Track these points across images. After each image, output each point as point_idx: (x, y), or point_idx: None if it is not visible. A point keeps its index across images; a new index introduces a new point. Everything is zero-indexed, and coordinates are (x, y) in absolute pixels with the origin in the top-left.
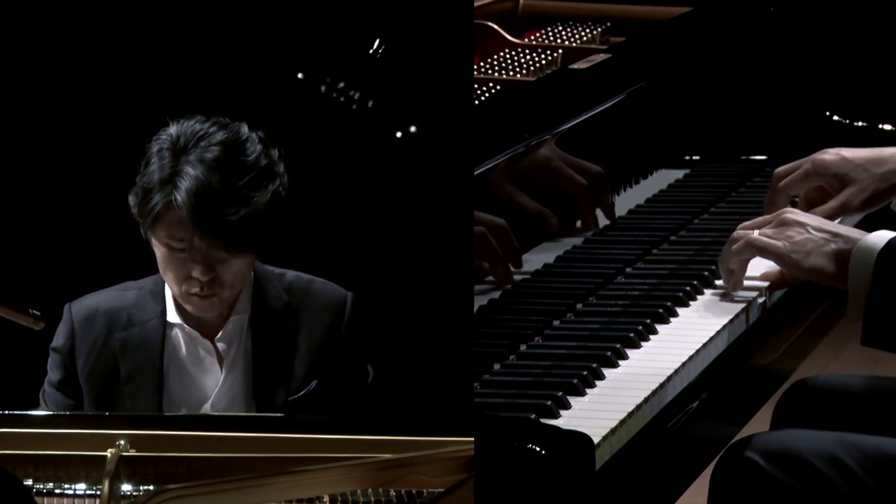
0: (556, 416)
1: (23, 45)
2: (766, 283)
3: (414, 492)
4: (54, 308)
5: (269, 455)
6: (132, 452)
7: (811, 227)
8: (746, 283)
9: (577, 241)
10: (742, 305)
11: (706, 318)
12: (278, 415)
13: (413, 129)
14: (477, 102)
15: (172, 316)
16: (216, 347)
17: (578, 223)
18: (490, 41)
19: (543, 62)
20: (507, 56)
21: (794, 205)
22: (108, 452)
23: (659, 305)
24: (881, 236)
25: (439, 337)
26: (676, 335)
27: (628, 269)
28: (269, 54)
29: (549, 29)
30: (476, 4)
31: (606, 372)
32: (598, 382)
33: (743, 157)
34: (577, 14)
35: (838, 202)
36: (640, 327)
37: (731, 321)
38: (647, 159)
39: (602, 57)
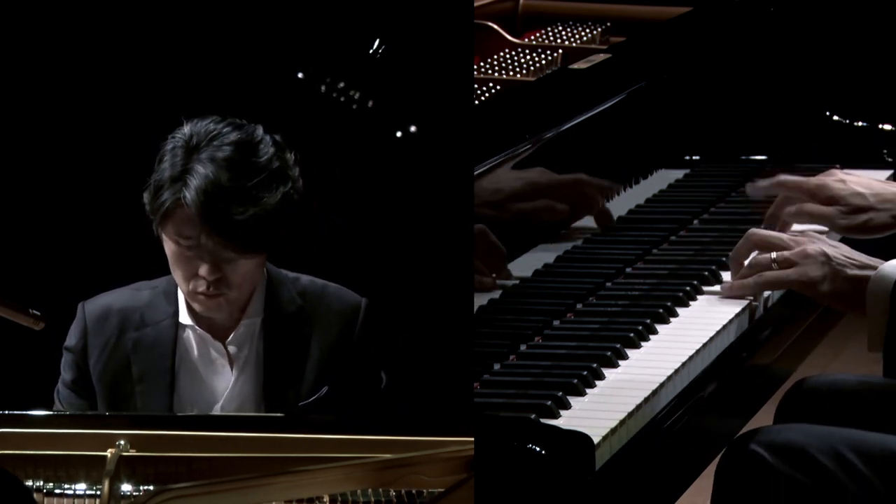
0: (556, 416)
1: (37, 46)
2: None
3: (414, 492)
4: (66, 307)
5: (269, 455)
6: (132, 452)
7: (831, 252)
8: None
9: (577, 241)
10: (742, 305)
11: (706, 317)
12: (278, 415)
13: (413, 129)
14: (477, 102)
15: (184, 317)
16: (227, 350)
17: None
18: (490, 41)
19: (543, 62)
20: (507, 56)
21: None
22: (108, 452)
23: (659, 305)
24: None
25: (439, 337)
26: (676, 335)
27: (628, 269)
28: (270, 54)
29: (549, 29)
30: (476, 4)
31: (606, 372)
32: (598, 382)
33: (743, 157)
34: (577, 14)
35: (823, 211)
36: (640, 327)
37: (731, 321)
38: (647, 159)
39: (602, 57)
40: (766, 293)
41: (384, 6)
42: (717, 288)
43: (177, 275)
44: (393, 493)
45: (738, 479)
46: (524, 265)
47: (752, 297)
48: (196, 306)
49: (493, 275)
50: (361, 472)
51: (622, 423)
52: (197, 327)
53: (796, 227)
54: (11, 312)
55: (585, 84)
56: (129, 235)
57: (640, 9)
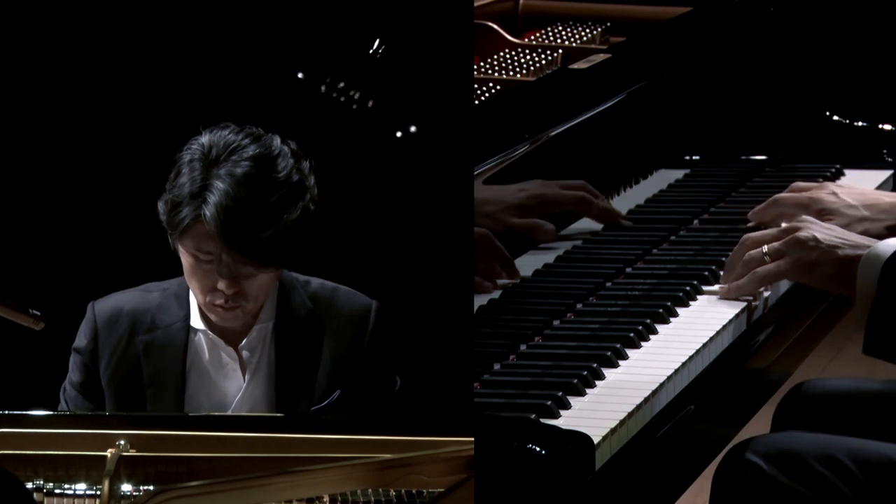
0: (556, 416)
1: (45, 47)
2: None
3: (414, 492)
4: (68, 306)
5: (269, 455)
6: (132, 452)
7: (821, 235)
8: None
9: (577, 241)
10: (742, 305)
11: (706, 318)
12: (278, 415)
13: (413, 129)
14: (477, 102)
15: (196, 321)
16: (239, 354)
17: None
18: (490, 41)
19: (543, 62)
20: (507, 56)
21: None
22: (108, 452)
23: (659, 305)
24: (888, 246)
25: (439, 337)
26: (676, 335)
27: (628, 269)
28: (269, 54)
29: (549, 29)
30: (476, 4)
31: (606, 372)
32: (598, 382)
33: (743, 157)
34: (577, 14)
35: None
36: (640, 327)
37: (731, 321)
38: (647, 159)
39: (602, 57)
40: (766, 293)
41: (384, 6)
42: (716, 288)
43: (193, 286)
44: (393, 493)
45: (735, 488)
46: (524, 265)
47: (751, 298)
48: (213, 317)
49: (496, 279)
50: (361, 472)
51: (622, 423)
52: (209, 332)
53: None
54: (11, 312)
55: (585, 84)
56: (134, 234)
57: (640, 9)
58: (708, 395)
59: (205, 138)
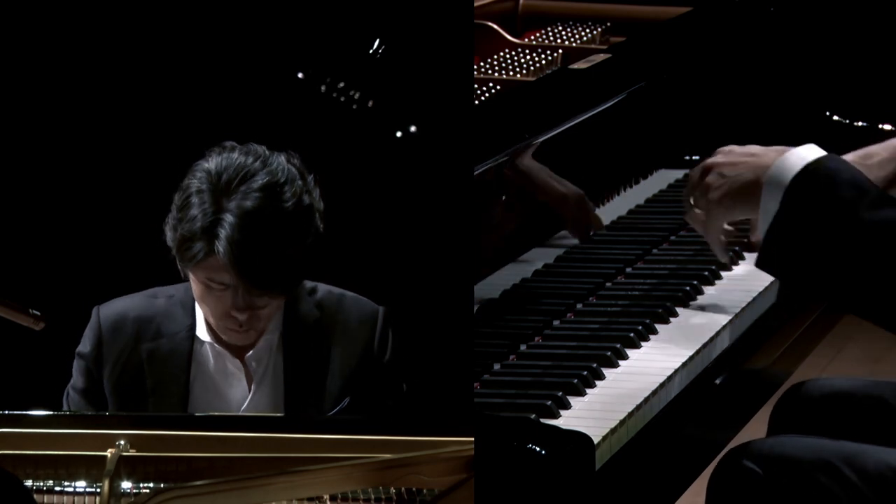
0: (556, 416)
1: (46, 49)
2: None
3: (414, 491)
4: (69, 306)
5: (269, 455)
6: (132, 452)
7: (727, 171)
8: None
9: (577, 241)
10: (742, 305)
11: (706, 318)
12: (278, 415)
13: (413, 129)
14: (477, 102)
15: (202, 332)
16: (245, 364)
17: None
18: (490, 41)
19: (543, 62)
20: (507, 56)
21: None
22: (108, 452)
23: (659, 305)
24: (799, 157)
25: (439, 337)
26: (676, 335)
27: (628, 269)
28: (269, 54)
29: (549, 29)
30: (476, 4)
31: (606, 372)
32: (598, 382)
33: None
34: (577, 14)
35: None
36: (640, 327)
37: (731, 321)
38: (647, 159)
39: (602, 57)
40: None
41: (384, 6)
42: (716, 288)
43: (205, 309)
44: (393, 492)
45: (730, 494)
46: (524, 265)
47: (752, 297)
48: (225, 338)
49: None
50: (361, 472)
51: (622, 423)
52: (215, 343)
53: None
54: (11, 312)
55: (585, 84)
56: (137, 235)
57: (640, 9)
58: (708, 395)
59: (211, 163)
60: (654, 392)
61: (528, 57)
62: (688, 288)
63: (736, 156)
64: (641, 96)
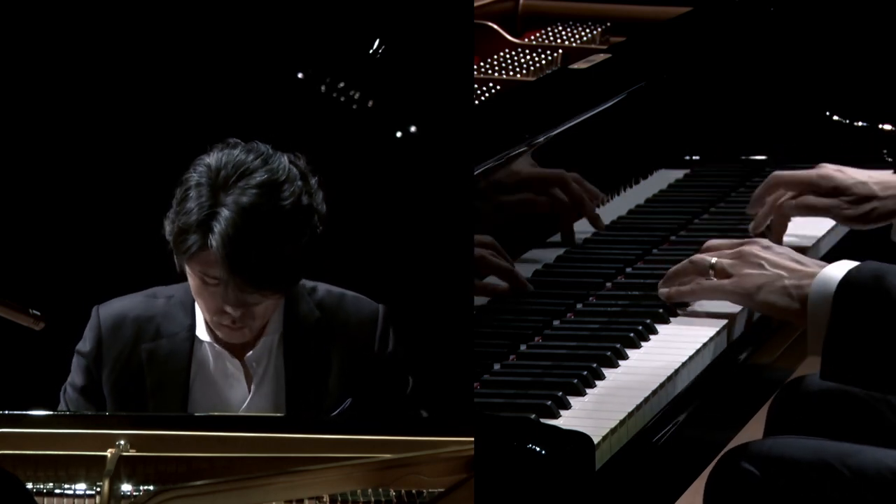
0: (556, 416)
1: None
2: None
3: (414, 492)
4: (69, 306)
5: (269, 455)
6: (132, 452)
7: (768, 261)
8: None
9: (577, 241)
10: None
11: (706, 317)
12: (278, 415)
13: (413, 129)
14: (477, 102)
15: (202, 332)
16: (245, 365)
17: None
18: (490, 41)
19: (543, 62)
20: (507, 56)
21: (763, 236)
22: (108, 452)
23: (659, 305)
24: (839, 269)
25: (439, 337)
26: (676, 335)
27: (628, 269)
28: (269, 54)
29: (549, 29)
30: (476, 4)
31: (606, 372)
32: (598, 382)
33: (743, 157)
34: (577, 14)
35: (827, 202)
36: (640, 327)
37: (731, 321)
38: (647, 159)
39: (602, 57)
40: None
41: (384, 6)
42: None
43: (200, 304)
44: (393, 493)
45: (728, 495)
46: (524, 265)
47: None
48: (219, 333)
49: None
50: (361, 472)
51: (622, 423)
52: (214, 344)
53: (796, 221)
54: (11, 312)
55: (585, 84)
56: (137, 235)
57: (640, 9)
58: (708, 395)
59: (212, 158)
60: (654, 392)
61: (528, 57)
62: None
63: (779, 256)
64: (641, 96)
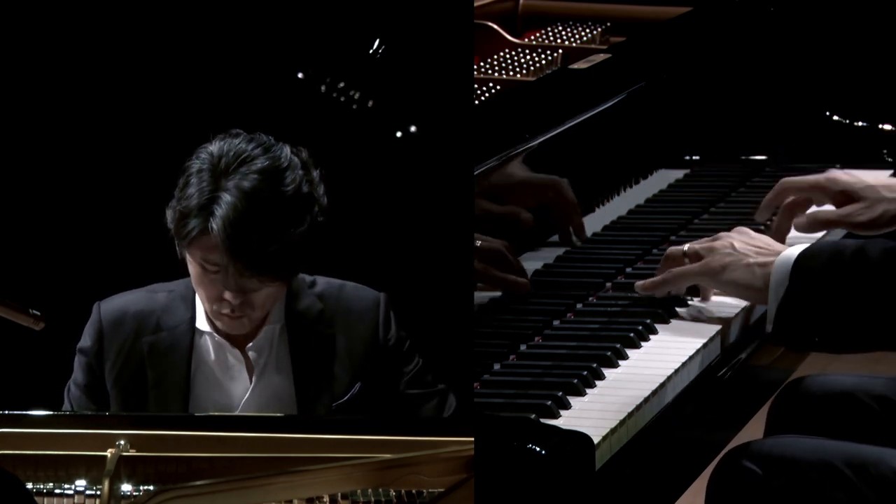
0: (556, 416)
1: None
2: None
3: (414, 492)
4: (69, 306)
5: (269, 455)
6: (132, 452)
7: (738, 243)
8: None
9: (577, 241)
10: (742, 305)
11: (706, 318)
12: (278, 415)
13: (413, 129)
14: (477, 102)
15: (202, 323)
16: (246, 356)
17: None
18: (490, 41)
19: (543, 62)
20: (507, 56)
21: (762, 231)
22: (108, 452)
23: (659, 305)
24: (800, 246)
25: (439, 337)
26: (676, 335)
27: (628, 269)
28: (269, 54)
29: (549, 29)
30: (476, 4)
31: (606, 372)
32: (598, 382)
33: (743, 157)
34: (577, 14)
35: (839, 212)
36: (640, 327)
37: (730, 321)
38: (647, 159)
39: (602, 57)
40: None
41: (384, 6)
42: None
43: (200, 293)
44: (393, 493)
45: (730, 495)
46: (524, 265)
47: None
48: (219, 324)
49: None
50: (361, 472)
51: (622, 423)
52: (215, 334)
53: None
54: (11, 312)
55: (585, 84)
56: (138, 234)
57: (640, 9)
58: (708, 395)
59: (214, 147)
60: (655, 392)
61: (528, 57)
62: None
63: (752, 239)
64: (641, 96)
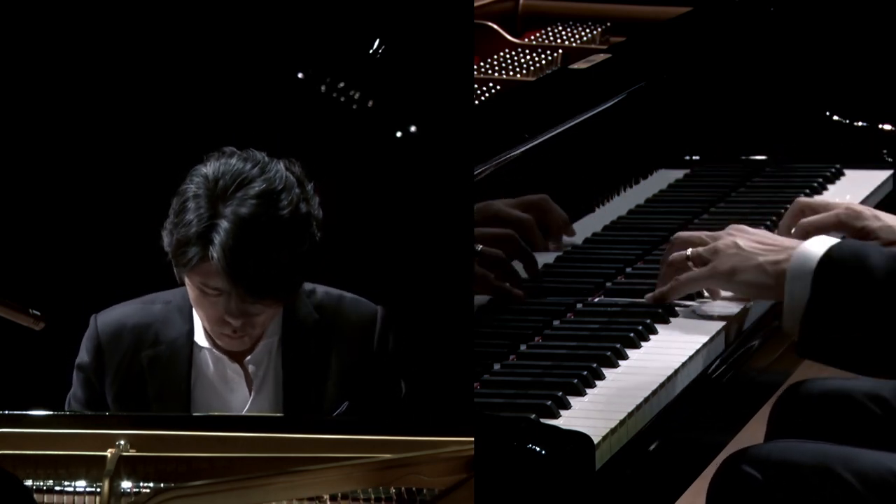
0: (556, 416)
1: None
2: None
3: (414, 491)
4: (68, 306)
5: (269, 455)
6: (132, 452)
7: (743, 242)
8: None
9: (577, 241)
10: (742, 305)
11: (706, 318)
12: (278, 415)
13: (413, 129)
14: (477, 102)
15: (200, 338)
16: (245, 368)
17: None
18: (490, 41)
19: (543, 62)
20: (507, 56)
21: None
22: (108, 452)
23: (659, 305)
24: (819, 245)
25: (439, 337)
26: (676, 335)
27: (628, 269)
28: (269, 54)
29: (549, 29)
30: (476, 4)
31: (606, 372)
32: (598, 382)
33: (743, 157)
34: (577, 14)
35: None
36: (640, 327)
37: (730, 322)
38: (647, 159)
39: (602, 57)
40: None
41: (384, 6)
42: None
43: (200, 314)
44: (393, 492)
45: (731, 500)
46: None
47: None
48: (220, 343)
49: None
50: (361, 472)
51: (622, 423)
52: (214, 350)
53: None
54: (11, 312)
55: (585, 84)
56: (134, 239)
57: (640, 9)
58: (708, 395)
59: (209, 168)
60: (655, 392)
61: (528, 57)
62: None
63: (753, 235)
64: (641, 96)
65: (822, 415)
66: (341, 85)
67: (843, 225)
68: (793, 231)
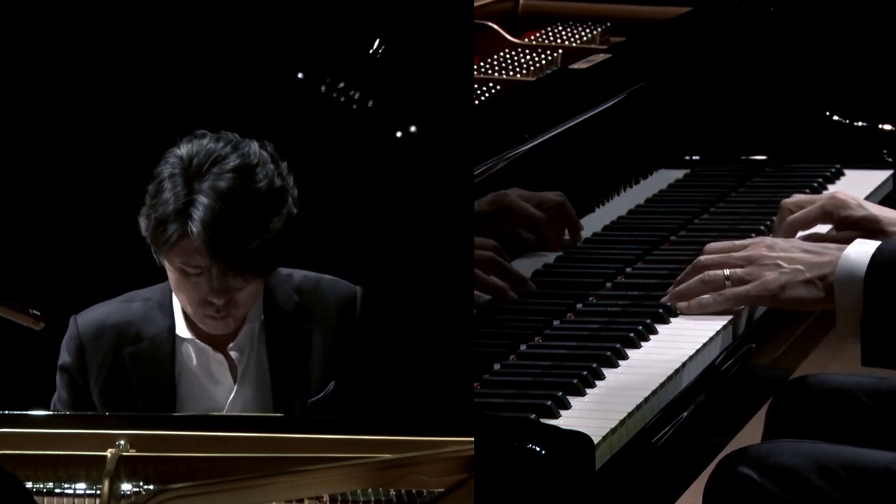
0: (556, 416)
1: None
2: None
3: (414, 492)
4: (73, 306)
5: (269, 455)
6: (132, 452)
7: (782, 258)
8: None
9: (577, 241)
10: (743, 305)
11: (706, 317)
12: (278, 415)
13: (413, 129)
14: (477, 102)
15: (182, 330)
16: (228, 357)
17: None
18: (490, 41)
19: (543, 62)
20: (507, 56)
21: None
22: (108, 452)
23: (659, 305)
24: (862, 251)
25: (439, 337)
26: (676, 335)
27: (628, 269)
28: (269, 54)
29: (549, 29)
30: (476, 4)
31: (606, 372)
32: (598, 382)
33: (743, 157)
34: (577, 14)
35: (836, 237)
36: (640, 327)
37: (731, 321)
38: (647, 159)
39: (602, 57)
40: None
41: (384, 6)
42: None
43: (182, 298)
44: (393, 492)
45: (727, 501)
46: (524, 265)
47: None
48: (203, 326)
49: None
50: (361, 472)
51: (622, 423)
52: (196, 340)
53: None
54: (11, 312)
55: (585, 84)
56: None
57: (640, 9)
58: (708, 395)
59: (182, 149)
60: (654, 392)
61: (528, 57)
62: None
63: (790, 250)
64: (641, 96)
65: (821, 411)
66: (341, 85)
67: (829, 215)
68: (781, 231)
